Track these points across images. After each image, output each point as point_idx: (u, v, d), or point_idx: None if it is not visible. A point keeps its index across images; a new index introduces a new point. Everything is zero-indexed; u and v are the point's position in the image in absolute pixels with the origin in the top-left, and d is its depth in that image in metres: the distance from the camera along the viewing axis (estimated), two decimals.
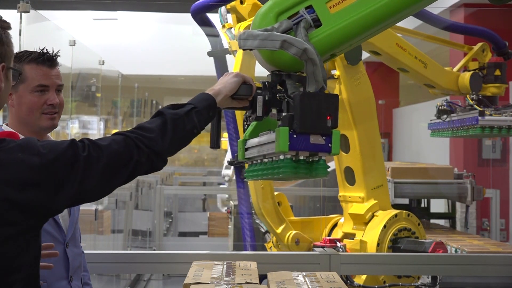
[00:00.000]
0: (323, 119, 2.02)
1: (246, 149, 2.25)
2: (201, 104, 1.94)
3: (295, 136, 2.00)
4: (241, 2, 3.57)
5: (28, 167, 1.61)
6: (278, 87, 2.11)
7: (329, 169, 2.14)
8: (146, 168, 1.81)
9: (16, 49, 1.81)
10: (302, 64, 2.03)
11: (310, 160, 2.07)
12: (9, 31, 1.74)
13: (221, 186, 9.98)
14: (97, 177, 1.70)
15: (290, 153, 2.02)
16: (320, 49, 2.07)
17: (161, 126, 1.83)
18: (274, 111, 2.11)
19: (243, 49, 2.07)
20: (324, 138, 2.03)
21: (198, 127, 1.92)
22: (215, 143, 2.18)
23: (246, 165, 2.30)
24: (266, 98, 2.09)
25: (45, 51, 2.32)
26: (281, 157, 2.05)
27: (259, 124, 2.20)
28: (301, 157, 2.05)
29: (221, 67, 3.98)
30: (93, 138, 1.78)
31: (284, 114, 2.06)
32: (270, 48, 2.01)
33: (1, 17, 1.76)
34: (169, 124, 1.84)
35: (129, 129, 1.83)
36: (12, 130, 2.07)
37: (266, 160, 2.15)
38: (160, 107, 13.71)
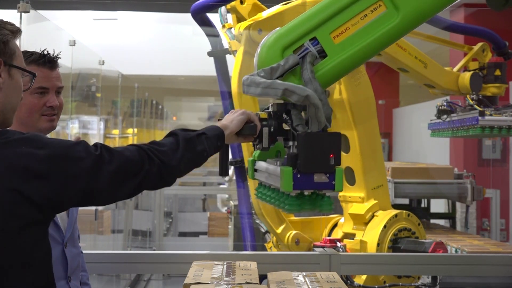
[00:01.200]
0: (326, 158, 2.06)
1: (255, 170, 2.34)
2: (210, 133, 2.05)
3: (299, 176, 2.05)
4: (241, 2, 3.56)
5: (35, 159, 1.64)
6: (284, 115, 2.16)
7: None
8: (156, 180, 1.86)
9: None
10: None
11: (315, 194, 2.12)
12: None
13: (221, 186, 9.97)
14: (107, 179, 1.73)
15: (294, 192, 2.07)
16: (326, 80, 2.11)
17: (173, 143, 1.92)
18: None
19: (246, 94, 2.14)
20: (328, 175, 2.07)
21: (208, 151, 2.02)
22: (223, 171, 2.30)
23: (257, 183, 2.40)
24: (272, 129, 2.16)
25: (45, 52, 2.31)
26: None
27: None
28: (306, 193, 2.10)
29: (221, 67, 3.97)
30: (93, 138, 1.80)
31: (290, 143, 2.12)
32: (272, 96, 2.06)
33: (15, 25, 1.77)
34: (181, 142, 1.93)
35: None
36: None
37: (274, 187, 2.21)
38: (160, 107, 13.68)
